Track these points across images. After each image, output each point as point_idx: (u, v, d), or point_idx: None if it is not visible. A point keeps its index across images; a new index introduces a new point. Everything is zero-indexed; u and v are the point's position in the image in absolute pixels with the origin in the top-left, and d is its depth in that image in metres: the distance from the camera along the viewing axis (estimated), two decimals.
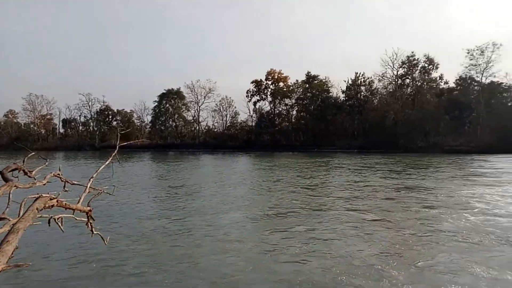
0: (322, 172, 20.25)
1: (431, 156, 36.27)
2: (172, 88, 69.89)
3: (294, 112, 65.78)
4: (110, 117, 72.09)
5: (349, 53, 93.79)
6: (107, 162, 2.41)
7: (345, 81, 61.40)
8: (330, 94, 62.89)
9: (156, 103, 70.63)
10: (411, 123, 50.36)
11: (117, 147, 2.55)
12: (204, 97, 69.39)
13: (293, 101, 64.90)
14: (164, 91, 69.90)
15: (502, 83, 52.73)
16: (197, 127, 70.67)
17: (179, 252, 5.92)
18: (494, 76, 52.41)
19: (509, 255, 5.55)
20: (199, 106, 69.88)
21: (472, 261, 5.23)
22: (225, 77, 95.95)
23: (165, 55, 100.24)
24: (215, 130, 70.19)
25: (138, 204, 10.17)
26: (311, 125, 59.75)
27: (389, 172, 19.66)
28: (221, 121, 69.74)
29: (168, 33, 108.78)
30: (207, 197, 11.48)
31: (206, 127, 70.88)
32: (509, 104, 53.54)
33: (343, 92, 61.71)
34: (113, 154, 2.48)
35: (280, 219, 8.39)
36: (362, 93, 60.52)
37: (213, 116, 69.91)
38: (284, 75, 65.65)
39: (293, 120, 65.62)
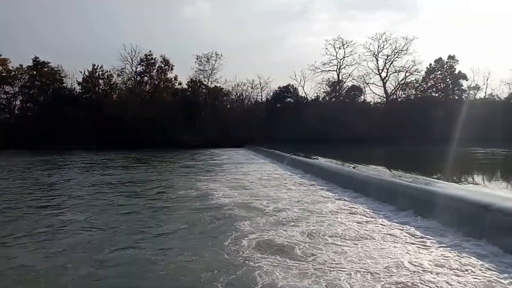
0: (40, 172, 17.84)
1: (166, 151, 38.93)
2: None
3: (18, 102, 55.80)
4: None
5: (85, 43, 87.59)
6: None
7: (81, 72, 56.86)
8: (64, 84, 56.89)
9: None
10: (150, 119, 52.25)
11: None
12: None
13: (17, 89, 54.84)
14: None
15: (223, 88, 63.15)
16: None
17: None
18: (217, 82, 61.93)
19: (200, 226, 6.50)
20: None
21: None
22: None
23: None
24: None
25: None
26: (41, 119, 52.08)
27: (117, 168, 19.68)
28: None
29: None
30: None
31: None
32: (228, 106, 64.72)
33: (79, 83, 57.01)
34: None
35: None
36: (101, 86, 57.94)
37: None
38: (2, 57, 54.22)
39: (16, 112, 55.41)
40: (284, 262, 4.76)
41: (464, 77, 60.35)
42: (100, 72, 57.33)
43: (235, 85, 63.66)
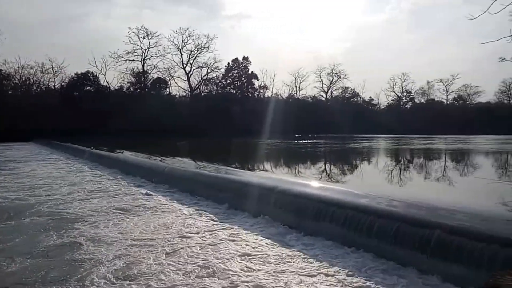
0: None
1: None
2: None
3: None
4: None
5: None
6: None
7: None
8: None
9: None
10: None
11: None
12: None
13: None
14: None
15: (2, 70, 52.05)
16: None
17: None
18: None
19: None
20: None
21: None
22: None
23: None
24: None
25: None
26: None
27: None
28: None
29: None
30: None
31: None
32: (10, 92, 53.82)
33: None
34: None
35: None
36: None
37: None
38: None
39: None
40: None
41: (256, 77, 69.04)
42: None
43: (18, 67, 53.48)
